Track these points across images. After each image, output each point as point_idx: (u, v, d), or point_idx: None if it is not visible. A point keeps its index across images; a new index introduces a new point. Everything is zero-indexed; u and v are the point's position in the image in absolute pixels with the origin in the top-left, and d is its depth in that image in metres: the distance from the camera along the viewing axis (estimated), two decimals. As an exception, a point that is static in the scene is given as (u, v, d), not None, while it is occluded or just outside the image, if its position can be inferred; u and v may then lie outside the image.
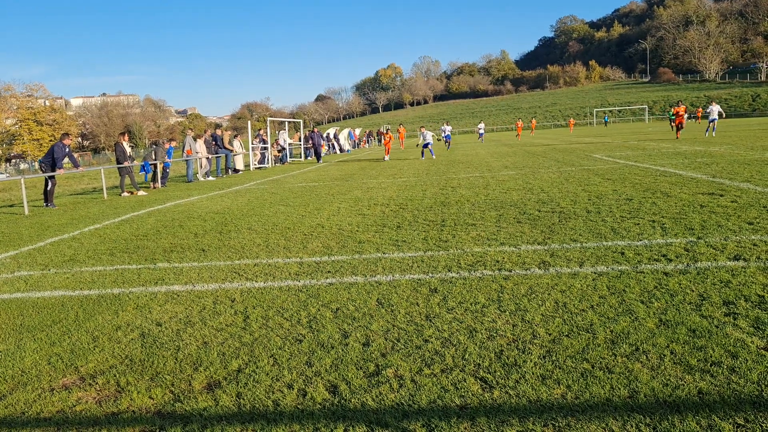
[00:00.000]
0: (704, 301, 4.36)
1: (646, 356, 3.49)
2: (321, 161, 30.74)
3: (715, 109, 31.33)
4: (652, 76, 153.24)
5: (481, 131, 49.63)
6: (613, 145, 26.80)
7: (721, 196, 9.25)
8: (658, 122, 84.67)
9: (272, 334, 4.32)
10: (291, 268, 6.30)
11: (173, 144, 22.92)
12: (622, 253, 5.94)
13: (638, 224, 7.40)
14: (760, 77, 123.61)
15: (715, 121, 31.50)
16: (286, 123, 36.73)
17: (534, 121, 69.36)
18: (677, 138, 29.09)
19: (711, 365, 3.31)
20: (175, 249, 7.76)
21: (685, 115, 30.64)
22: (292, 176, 20.98)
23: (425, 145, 26.60)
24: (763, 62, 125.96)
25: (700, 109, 62.52)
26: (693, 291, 4.62)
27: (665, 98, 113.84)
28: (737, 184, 10.42)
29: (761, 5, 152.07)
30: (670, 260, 5.55)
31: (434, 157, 25.36)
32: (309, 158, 35.47)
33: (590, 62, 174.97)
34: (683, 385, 3.12)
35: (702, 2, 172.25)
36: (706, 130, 31.86)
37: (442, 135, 37.13)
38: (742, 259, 5.43)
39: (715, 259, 5.48)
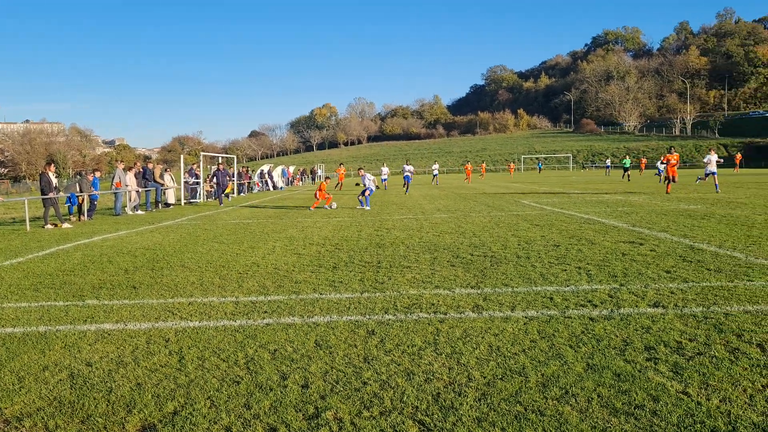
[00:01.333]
0: (628, 346, 4.61)
1: (575, 399, 3.66)
2: (222, 204, 25.69)
3: (713, 158, 25.36)
4: (576, 126, 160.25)
5: (435, 172, 46.88)
6: (591, 200, 27.73)
7: (641, 244, 9.76)
8: (579, 170, 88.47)
9: (209, 375, 4.27)
10: (227, 307, 6.24)
11: (98, 175, 22.26)
12: (551, 298, 6.20)
13: (566, 270, 7.73)
14: (674, 131, 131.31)
15: (716, 175, 24.80)
16: (219, 158, 36.34)
17: (483, 165, 67.71)
18: (667, 193, 23.67)
19: (635, 408, 3.51)
20: (104, 285, 7.54)
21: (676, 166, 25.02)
22: (225, 212, 20.72)
23: (364, 192, 20.76)
24: (676, 118, 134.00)
25: (644, 159, 64.34)
26: (617, 336, 4.87)
27: (588, 147, 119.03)
28: (655, 234, 11.02)
29: (675, 65, 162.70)
30: (596, 306, 5.83)
31: (368, 208, 19.93)
32: (210, 199, 29.91)
33: (518, 110, 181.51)
34: (610, 427, 3.29)
35: (622, 59, 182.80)
36: (698, 179, 28.28)
37: (382, 179, 34.68)
38: (661, 306, 5.76)
39: (636, 306, 5.79)
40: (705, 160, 25.97)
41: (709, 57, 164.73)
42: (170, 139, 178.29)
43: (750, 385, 3.80)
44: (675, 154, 25.03)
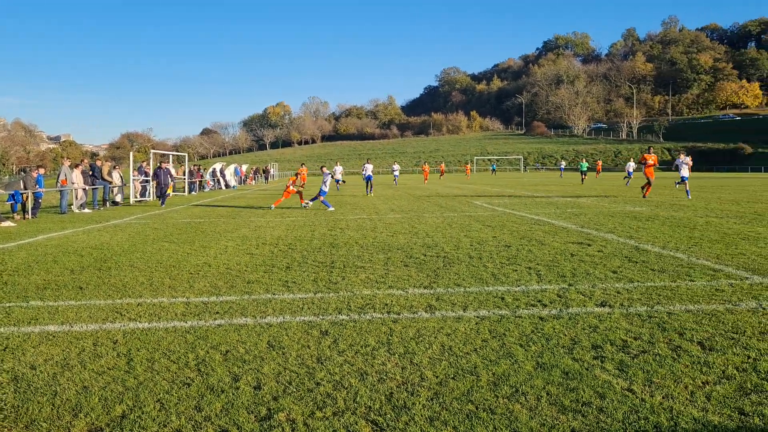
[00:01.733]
0: (576, 345, 4.72)
1: (525, 397, 3.73)
2: (164, 204, 23.27)
3: (684, 162, 23.27)
4: (527, 128, 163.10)
5: (396, 173, 45.38)
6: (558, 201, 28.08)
7: (589, 245, 10.01)
8: (532, 172, 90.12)
9: (158, 377, 4.19)
10: (177, 308, 6.13)
11: (42, 172, 21.57)
12: (502, 298, 6.30)
13: (516, 270, 7.86)
14: (622, 135, 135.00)
15: (686, 180, 23.07)
16: (170, 156, 35.67)
17: (443, 165, 66.47)
18: (644, 197, 22.32)
19: (582, 405, 3.60)
20: (49, 286, 7.32)
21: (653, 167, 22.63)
22: (176, 211, 20.34)
23: (321, 193, 20.24)
24: (624, 122, 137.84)
25: (599, 162, 64.32)
26: (566, 335, 4.98)
27: (539, 150, 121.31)
28: (602, 235, 11.31)
29: (622, 70, 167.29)
30: (545, 306, 5.95)
31: (331, 208, 19.01)
32: (146, 198, 27.51)
33: (471, 112, 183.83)
34: (558, 424, 3.37)
35: (572, 63, 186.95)
36: (676, 183, 25.64)
37: (336, 180, 32.73)
38: (608, 305, 5.92)
39: (584, 305, 5.94)
40: (676, 163, 23.81)
41: (655, 63, 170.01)
42: (119, 136, 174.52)
43: (691, 381, 3.95)
44: (653, 154, 22.90)
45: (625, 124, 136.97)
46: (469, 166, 69.94)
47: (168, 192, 24.50)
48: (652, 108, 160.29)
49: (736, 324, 5.21)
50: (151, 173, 28.75)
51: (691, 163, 23.66)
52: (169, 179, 24.08)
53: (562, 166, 65.29)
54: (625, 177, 37.40)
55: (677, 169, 23.79)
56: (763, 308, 5.71)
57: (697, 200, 20.85)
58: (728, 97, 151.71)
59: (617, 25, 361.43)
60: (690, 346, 4.64)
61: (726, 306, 5.82)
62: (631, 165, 25.30)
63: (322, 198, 20.37)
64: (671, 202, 19.80)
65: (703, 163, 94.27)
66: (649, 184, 22.59)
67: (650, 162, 22.48)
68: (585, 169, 43.42)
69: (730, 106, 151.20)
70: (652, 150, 23.33)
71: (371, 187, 29.50)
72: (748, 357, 4.38)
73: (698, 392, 3.77)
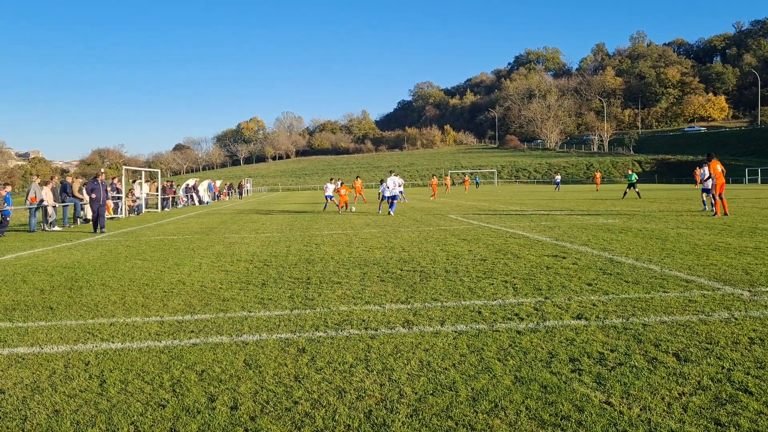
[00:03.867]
0: (553, 359, 4.74)
1: (505, 412, 3.72)
2: (99, 232, 18.47)
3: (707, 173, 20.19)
4: (501, 142, 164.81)
5: (401, 188, 38.67)
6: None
7: (564, 258, 10.09)
8: (506, 185, 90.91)
9: (132, 399, 4.11)
10: (151, 327, 6.03)
11: (9, 189, 21.16)
12: (480, 312, 6.30)
13: (492, 284, 7.89)
14: (593, 148, 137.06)
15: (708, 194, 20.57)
16: (143, 172, 35.27)
17: (447, 178, 62.94)
18: (717, 214, 18.81)
19: (561, 419, 3.60)
20: (18, 306, 7.15)
21: None
22: (149, 228, 20.09)
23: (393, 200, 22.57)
24: (594, 135, 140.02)
25: (598, 174, 60.94)
26: (543, 348, 5.00)
27: (512, 163, 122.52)
28: (577, 247, 11.42)
29: (593, 84, 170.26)
30: (522, 319, 5.97)
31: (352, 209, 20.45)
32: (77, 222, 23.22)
33: (445, 126, 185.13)
34: (538, 439, 3.36)
35: (543, 78, 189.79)
36: (706, 206, 21.67)
37: (327, 196, 29.91)
38: (584, 318, 5.96)
39: (561, 318, 5.97)
40: (702, 175, 21.64)
41: (624, 77, 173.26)
42: (90, 152, 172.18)
43: (667, 393, 3.98)
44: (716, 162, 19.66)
45: (596, 137, 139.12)
46: (448, 179, 68.09)
47: (110, 215, 21.22)
48: (623, 121, 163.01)
49: (709, 334, 5.27)
50: (123, 190, 28.37)
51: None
52: (108, 196, 19.93)
53: (558, 180, 61.21)
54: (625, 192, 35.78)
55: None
56: (735, 318, 5.80)
57: (668, 212, 21.19)
58: (695, 110, 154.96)
59: (587, 41, 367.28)
60: (665, 358, 4.69)
61: (699, 317, 5.90)
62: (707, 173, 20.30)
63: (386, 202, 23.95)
64: (643, 213, 20.07)
65: (672, 174, 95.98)
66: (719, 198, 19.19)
67: (720, 174, 19.25)
68: (634, 180, 35.90)
69: (697, 119, 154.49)
70: (713, 156, 20.15)
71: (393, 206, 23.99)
72: (723, 367, 4.43)
73: (675, 404, 3.80)
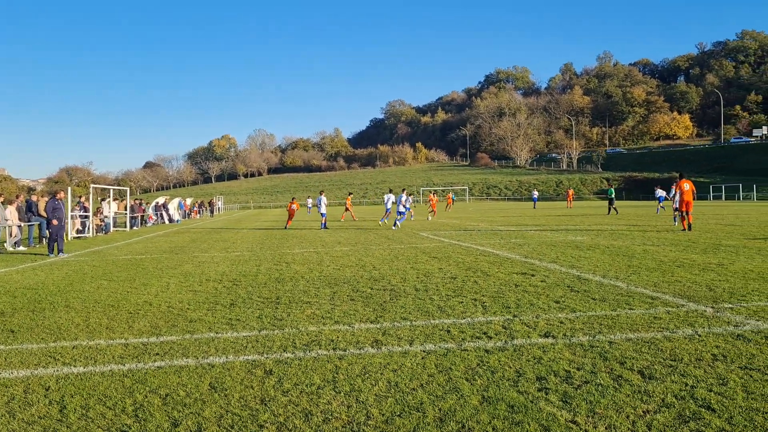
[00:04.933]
0: (520, 377, 4.75)
1: (471, 433, 3.72)
2: (57, 254, 16.86)
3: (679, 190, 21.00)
4: (472, 159, 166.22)
5: (407, 205, 33.21)
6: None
7: (533, 275, 10.17)
8: (477, 202, 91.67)
9: (93, 425, 4.01)
10: (115, 350, 5.91)
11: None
12: (448, 331, 6.31)
13: (462, 302, 7.91)
14: (562, 165, 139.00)
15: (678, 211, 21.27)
16: (111, 190, 34.77)
17: (450, 195, 61.04)
18: (684, 229, 19.83)
19: (527, 439, 3.61)
20: (-24, 330, 6.95)
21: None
22: (116, 247, 19.77)
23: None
24: (564, 153, 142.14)
25: (571, 191, 60.93)
26: (511, 367, 5.02)
27: (483, 180, 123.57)
28: (546, 265, 11.53)
29: (561, 103, 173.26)
30: (491, 338, 5.99)
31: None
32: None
33: (417, 144, 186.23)
34: (504, 459, 3.36)
35: (513, 96, 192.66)
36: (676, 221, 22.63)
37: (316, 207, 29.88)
38: (551, 336, 6.00)
39: (528, 337, 6.00)
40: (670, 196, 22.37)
41: (592, 96, 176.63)
42: (57, 170, 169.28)
43: (632, 411, 4.01)
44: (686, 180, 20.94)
45: (565, 155, 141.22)
46: (449, 195, 65.26)
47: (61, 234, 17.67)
48: (591, 139, 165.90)
49: (673, 351, 5.35)
50: (90, 208, 27.91)
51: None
52: (60, 216, 17.36)
53: (535, 197, 62.53)
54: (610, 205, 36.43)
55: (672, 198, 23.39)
56: (699, 335, 5.89)
57: (634, 229, 21.53)
58: (661, 129, 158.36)
59: (555, 60, 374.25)
60: (631, 375, 4.73)
61: (664, 333, 5.98)
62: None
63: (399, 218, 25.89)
64: (611, 230, 20.37)
65: (639, 191, 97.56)
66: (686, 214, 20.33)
67: (687, 190, 20.47)
68: (612, 196, 37.33)
69: (663, 137, 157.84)
70: (684, 176, 21.65)
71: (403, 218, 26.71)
72: (686, 384, 4.49)
73: (639, 422, 3.83)
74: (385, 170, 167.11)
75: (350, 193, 41.88)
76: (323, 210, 28.62)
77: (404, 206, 26.54)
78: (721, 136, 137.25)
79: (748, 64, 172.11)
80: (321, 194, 29.60)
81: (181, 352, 5.75)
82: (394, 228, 25.24)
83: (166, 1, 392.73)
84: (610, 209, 36.20)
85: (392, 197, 29.09)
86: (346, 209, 38.40)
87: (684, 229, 19.93)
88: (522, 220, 31.28)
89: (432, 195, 43.53)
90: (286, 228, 28.15)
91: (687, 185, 20.68)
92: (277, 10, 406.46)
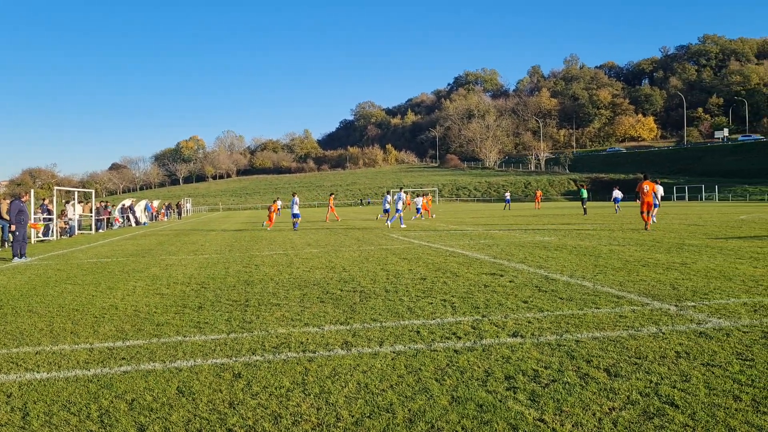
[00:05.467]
0: (489, 377, 4.79)
1: (441, 433, 3.74)
2: (21, 258, 16.40)
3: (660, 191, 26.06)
4: (441, 161, 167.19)
5: (418, 205, 36.76)
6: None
7: (501, 276, 10.27)
8: (447, 203, 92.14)
9: (57, 432, 3.93)
10: (79, 355, 5.80)
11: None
12: (418, 332, 6.33)
13: (431, 303, 7.94)
14: (530, 167, 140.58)
15: (657, 207, 25.14)
16: (76, 192, 34.13)
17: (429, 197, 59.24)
18: (646, 229, 20.66)
19: (496, 438, 3.64)
20: (-66, 336, 6.76)
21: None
22: (81, 250, 19.41)
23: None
24: (532, 154, 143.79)
25: (539, 192, 61.80)
26: (480, 367, 5.05)
27: (453, 182, 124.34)
28: (514, 265, 11.64)
29: (529, 105, 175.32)
30: (460, 338, 6.03)
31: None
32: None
33: (387, 145, 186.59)
34: (473, 458, 3.38)
35: (482, 99, 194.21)
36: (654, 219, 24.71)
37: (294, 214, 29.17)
38: (520, 335, 6.07)
39: (497, 336, 6.05)
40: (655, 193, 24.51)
41: (559, 99, 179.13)
42: (20, 172, 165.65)
43: (598, 408, 4.08)
44: (648, 182, 22.04)
45: (533, 157, 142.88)
46: (419, 200, 64.69)
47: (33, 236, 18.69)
48: (558, 141, 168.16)
49: (638, 349, 5.44)
50: (54, 211, 27.34)
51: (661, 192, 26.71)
52: (23, 219, 16.99)
53: (508, 198, 61.38)
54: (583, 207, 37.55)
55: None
56: (663, 333, 6.01)
57: (601, 229, 21.86)
58: (626, 131, 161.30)
59: (523, 62, 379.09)
60: (597, 373, 4.81)
61: (629, 332, 6.09)
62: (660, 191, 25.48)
63: (399, 215, 27.12)
64: (578, 230, 20.66)
65: (605, 192, 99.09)
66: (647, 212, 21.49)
67: (649, 191, 21.56)
68: (585, 197, 39.13)
69: (628, 139, 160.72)
70: (647, 177, 23.05)
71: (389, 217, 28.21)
72: (651, 381, 4.58)
73: (605, 419, 3.90)
74: (355, 172, 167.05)
75: (332, 194, 41.51)
76: (296, 211, 28.49)
77: (404, 204, 28.65)
78: (684, 138, 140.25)
79: (709, 67, 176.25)
80: (294, 195, 29.48)
81: (148, 356, 5.67)
82: (388, 223, 27.65)
83: (131, 0, 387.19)
84: (585, 210, 37.32)
85: (389, 197, 29.36)
86: (330, 210, 38.44)
87: (646, 228, 20.82)
88: (491, 220, 31.54)
89: (422, 197, 42.28)
90: (265, 227, 29.67)
91: (647, 187, 21.66)
92: (245, 11, 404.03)
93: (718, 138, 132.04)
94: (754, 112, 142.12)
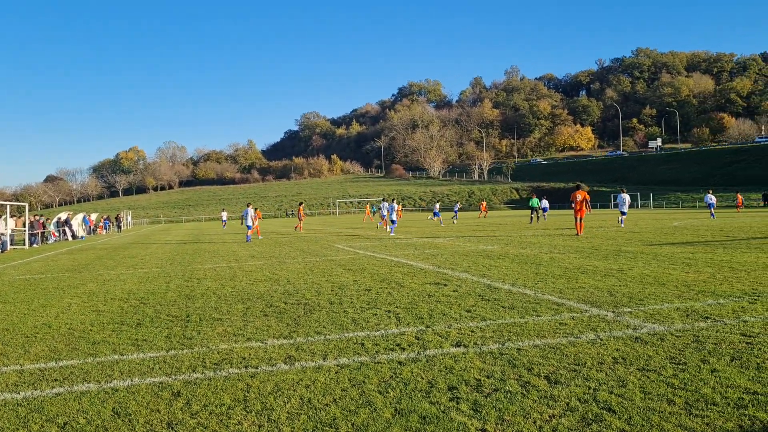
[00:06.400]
0: (432, 388, 4.81)
1: (384, 446, 3.72)
2: None
3: (626, 198, 28.97)
4: (387, 171, 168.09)
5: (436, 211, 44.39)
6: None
7: (445, 285, 10.35)
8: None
9: (-18, 460, 3.74)
10: (9, 377, 5.54)
11: None
12: (362, 344, 6.31)
13: (376, 314, 7.93)
14: (474, 176, 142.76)
15: (625, 215, 28.96)
16: (8, 206, 32.77)
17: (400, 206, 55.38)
18: (578, 235, 22.52)
19: (438, 450, 3.65)
20: None
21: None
22: (13, 266, 18.62)
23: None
24: (475, 164, 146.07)
25: (484, 202, 63.27)
26: (423, 378, 5.07)
27: (398, 191, 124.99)
28: (458, 274, 11.76)
29: (472, 116, 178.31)
30: (404, 349, 6.03)
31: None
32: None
33: (332, 156, 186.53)
34: (416, 471, 3.38)
35: (426, 109, 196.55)
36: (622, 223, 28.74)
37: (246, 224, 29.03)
38: (463, 345, 6.12)
39: (441, 347, 6.09)
40: (618, 201, 29.25)
41: (501, 109, 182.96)
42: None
43: (539, 416, 4.14)
44: (581, 191, 23.74)
45: (476, 166, 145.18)
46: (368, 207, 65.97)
47: None
48: (500, 151, 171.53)
49: (577, 356, 5.56)
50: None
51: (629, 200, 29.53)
52: None
53: (437, 210, 52.40)
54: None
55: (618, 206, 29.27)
56: (601, 339, 6.16)
57: (542, 237, 22.34)
58: (566, 141, 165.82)
59: (465, 74, 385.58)
60: (537, 381, 4.89)
61: (569, 339, 6.22)
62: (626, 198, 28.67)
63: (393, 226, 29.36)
64: (519, 239, 21.06)
65: (547, 201, 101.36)
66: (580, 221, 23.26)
67: (579, 198, 23.19)
68: (535, 206, 40.19)
69: (567, 149, 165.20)
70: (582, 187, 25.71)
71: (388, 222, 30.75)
72: (589, 388, 4.68)
73: (545, 426, 3.96)
74: (300, 182, 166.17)
75: (301, 203, 41.56)
76: (249, 222, 28.06)
77: (396, 214, 30.30)
78: (620, 147, 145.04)
79: (643, 79, 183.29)
80: (248, 206, 29.05)
81: (82, 377, 5.47)
82: (392, 234, 28.75)
83: (64, 7, 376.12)
84: (538, 218, 39.24)
85: (386, 204, 32.28)
86: (300, 218, 38.78)
87: (577, 234, 22.50)
88: (436, 230, 31.81)
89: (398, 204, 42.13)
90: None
91: (580, 196, 23.34)
92: (186, 21, 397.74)
93: (652, 147, 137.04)
94: (684, 123, 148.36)
